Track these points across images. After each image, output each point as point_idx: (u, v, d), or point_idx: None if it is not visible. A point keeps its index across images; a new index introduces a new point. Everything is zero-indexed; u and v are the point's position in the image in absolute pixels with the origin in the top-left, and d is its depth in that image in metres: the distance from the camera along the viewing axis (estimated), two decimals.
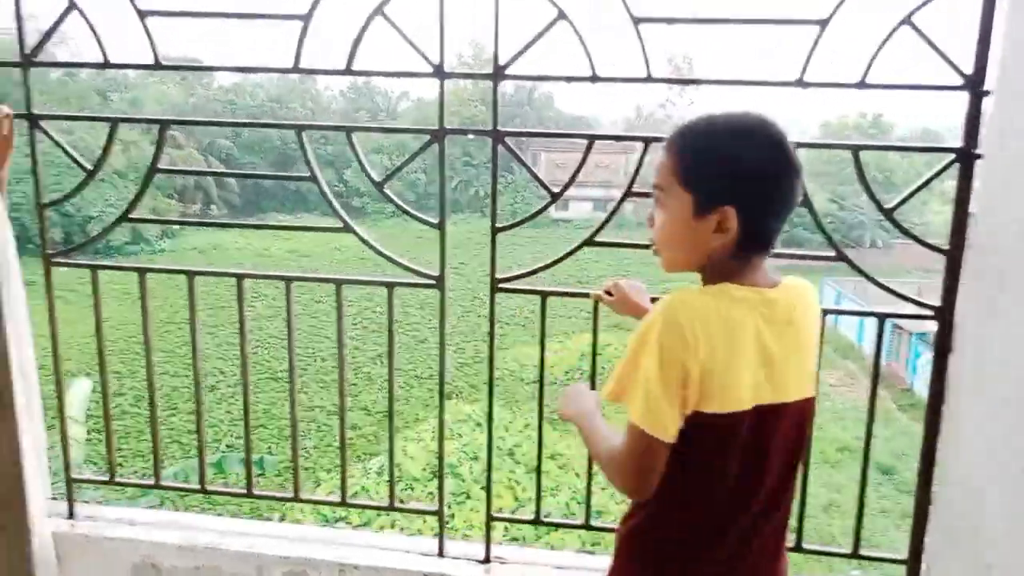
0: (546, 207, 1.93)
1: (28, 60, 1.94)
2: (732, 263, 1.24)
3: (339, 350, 2.02)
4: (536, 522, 2.06)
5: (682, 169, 1.23)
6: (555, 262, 1.92)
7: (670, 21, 1.79)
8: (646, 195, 2.00)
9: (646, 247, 2.26)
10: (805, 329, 1.28)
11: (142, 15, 1.89)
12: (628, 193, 1.86)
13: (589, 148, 1.89)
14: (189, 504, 12.34)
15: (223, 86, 38.65)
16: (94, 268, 2.04)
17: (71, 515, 2.05)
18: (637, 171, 1.86)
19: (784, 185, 1.21)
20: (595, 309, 1.83)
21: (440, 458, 2.07)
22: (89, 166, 1.98)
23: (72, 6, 1.91)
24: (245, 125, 2.17)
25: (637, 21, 1.75)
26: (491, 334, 1.96)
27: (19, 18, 1.92)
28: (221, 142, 35.24)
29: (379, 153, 34.43)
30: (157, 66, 1.93)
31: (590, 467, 1.98)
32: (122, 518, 2.06)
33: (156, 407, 2.15)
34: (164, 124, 1.97)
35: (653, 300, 1.73)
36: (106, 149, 2.01)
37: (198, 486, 2.14)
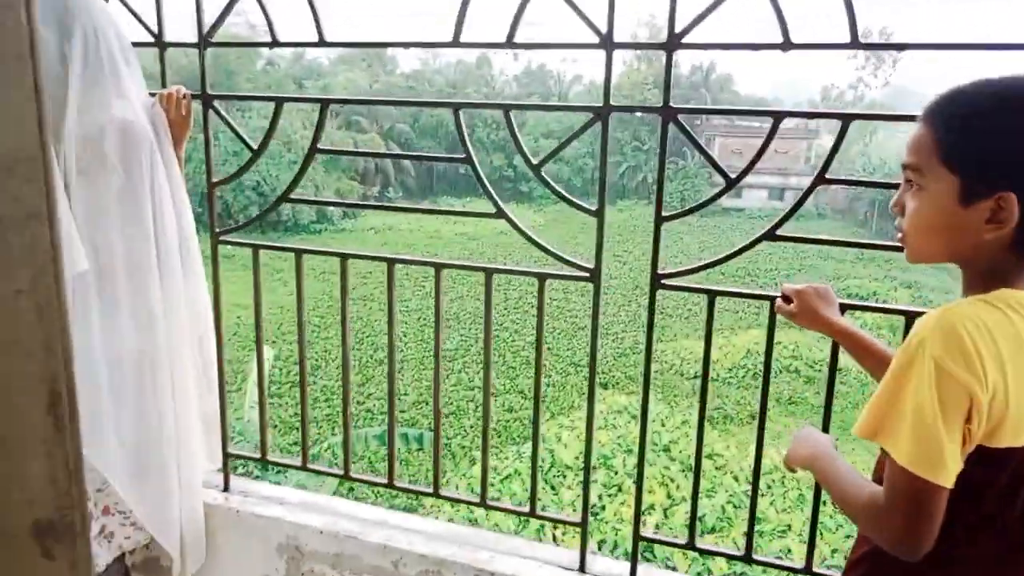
0: (720, 194, 1.70)
1: (204, 41, 1.97)
2: (1008, 262, 1.02)
3: (485, 346, 1.91)
4: (690, 547, 1.85)
5: (946, 145, 1.01)
6: (726, 258, 1.69)
7: None
8: (838, 182, 1.73)
9: (833, 243, 1.98)
10: None
11: None
12: (820, 180, 1.59)
13: (775, 128, 1.64)
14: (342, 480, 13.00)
15: (405, 72, 40.46)
16: (255, 247, 2.06)
17: (226, 488, 2.11)
18: (833, 153, 1.60)
19: None
20: (771, 307, 1.58)
21: (586, 469, 1.91)
22: (255, 146, 2.00)
23: None
24: (402, 103, 2.12)
25: None
26: (649, 335, 1.77)
27: (199, 2, 1.96)
28: (400, 127, 36.95)
29: (548, 138, 34.64)
30: (321, 43, 1.90)
31: (816, 504, 1.74)
32: (272, 496, 2.09)
33: (306, 390, 2.15)
34: (324, 103, 1.94)
35: (843, 309, 1.48)
36: (272, 127, 2.02)
37: (342, 471, 2.13)
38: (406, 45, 1.90)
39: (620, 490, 11.62)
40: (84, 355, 1.73)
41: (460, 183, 37.30)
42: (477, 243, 30.50)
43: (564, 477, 13.14)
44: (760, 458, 1.77)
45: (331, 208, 32.63)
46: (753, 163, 1.69)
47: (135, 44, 1.96)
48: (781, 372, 19.23)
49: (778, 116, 1.62)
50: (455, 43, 1.75)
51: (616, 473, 12.94)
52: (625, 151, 36.17)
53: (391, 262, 1.97)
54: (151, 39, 2.00)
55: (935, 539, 0.99)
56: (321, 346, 19.20)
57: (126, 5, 1.99)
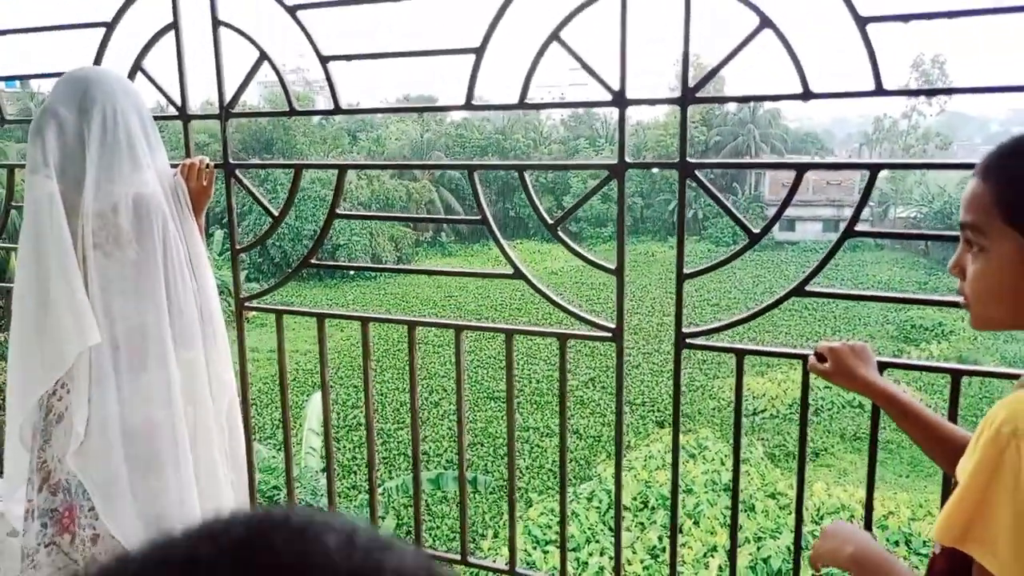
0: (744, 250, 1.63)
1: (226, 112, 2.01)
2: None
3: (508, 407, 1.86)
4: None
5: (1009, 201, 0.92)
6: (753, 315, 1.61)
7: (905, 19, 1.44)
8: (867, 234, 1.64)
9: (864, 298, 1.87)
10: None
11: (323, 60, 1.89)
12: (849, 232, 1.51)
13: (799, 179, 1.57)
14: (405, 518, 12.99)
15: (454, 121, 41.23)
16: (279, 313, 2.06)
17: None
18: (861, 205, 1.51)
19: None
20: (804, 365, 1.48)
21: (617, 537, 1.82)
22: (276, 212, 2.01)
23: (263, 57, 1.95)
24: (416, 167, 2.10)
25: (864, 22, 1.43)
26: (676, 397, 1.69)
27: (219, 73, 2.00)
28: (452, 173, 37.57)
29: (585, 182, 34.72)
30: (336, 111, 1.91)
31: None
32: None
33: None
34: (342, 169, 1.95)
35: (881, 368, 1.38)
36: (292, 192, 2.04)
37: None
38: (420, 110, 1.90)
39: (681, 531, 11.26)
40: (101, 426, 1.73)
41: (509, 225, 37.61)
42: (519, 284, 30.60)
43: (622, 519, 12.81)
44: (800, 517, 1.66)
45: (385, 253, 33.22)
46: (778, 215, 1.62)
47: (159, 118, 2.02)
48: (844, 407, 18.57)
49: (801, 169, 1.55)
50: (468, 106, 1.74)
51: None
52: (661, 186, 36.01)
53: (412, 325, 1.94)
54: (175, 113, 2.06)
55: None
56: (377, 388, 19.36)
57: (152, 82, 2.05)
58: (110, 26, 2.10)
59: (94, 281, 1.71)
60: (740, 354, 1.64)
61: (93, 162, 1.68)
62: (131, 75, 2.05)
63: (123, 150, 1.72)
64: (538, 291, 1.80)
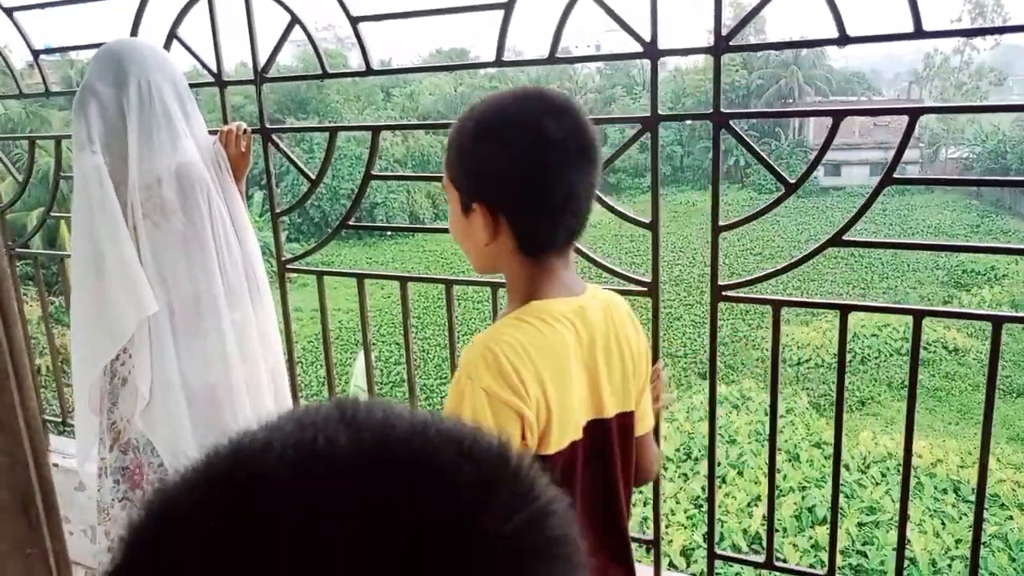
0: (778, 202, 1.60)
1: (260, 77, 2.03)
2: (528, 269, 1.09)
3: None
4: (768, 566, 1.77)
5: (447, 162, 1.12)
6: (789, 267, 1.60)
7: None
8: (906, 181, 1.61)
9: (901, 246, 1.84)
10: (624, 337, 1.15)
11: (354, 21, 1.89)
12: (888, 180, 1.48)
13: (835, 126, 1.54)
14: None
15: (488, 73, 40.71)
16: (319, 274, 2.11)
17: None
18: (900, 151, 1.48)
19: (544, 181, 1.04)
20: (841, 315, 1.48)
21: (656, 497, 1.85)
22: (313, 175, 2.04)
23: (295, 20, 1.96)
24: (437, 126, 2.10)
25: None
26: (712, 349, 1.69)
27: (252, 37, 2.01)
28: None
29: (622, 132, 34.12)
30: (368, 71, 1.92)
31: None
32: None
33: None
34: (375, 130, 1.96)
35: (920, 316, 1.37)
36: (327, 156, 2.06)
37: None
38: (450, 68, 1.90)
39: (724, 481, 11.34)
40: (164, 388, 1.81)
41: None
42: None
43: (665, 470, 12.96)
44: (838, 475, 1.67)
45: (422, 210, 33.32)
46: (815, 164, 1.60)
47: (195, 85, 2.05)
48: (892, 355, 18.29)
49: (838, 116, 1.52)
50: (498, 62, 1.73)
51: (719, 464, 12.62)
52: (700, 133, 35.14)
53: (449, 284, 1.97)
54: (211, 79, 2.08)
55: None
56: (419, 345, 19.62)
57: (188, 49, 2.08)
58: None
59: (146, 251, 1.76)
60: (776, 305, 1.63)
61: (134, 135, 1.72)
62: (166, 43, 2.07)
63: (160, 122, 1.76)
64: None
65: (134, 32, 2.12)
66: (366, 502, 0.33)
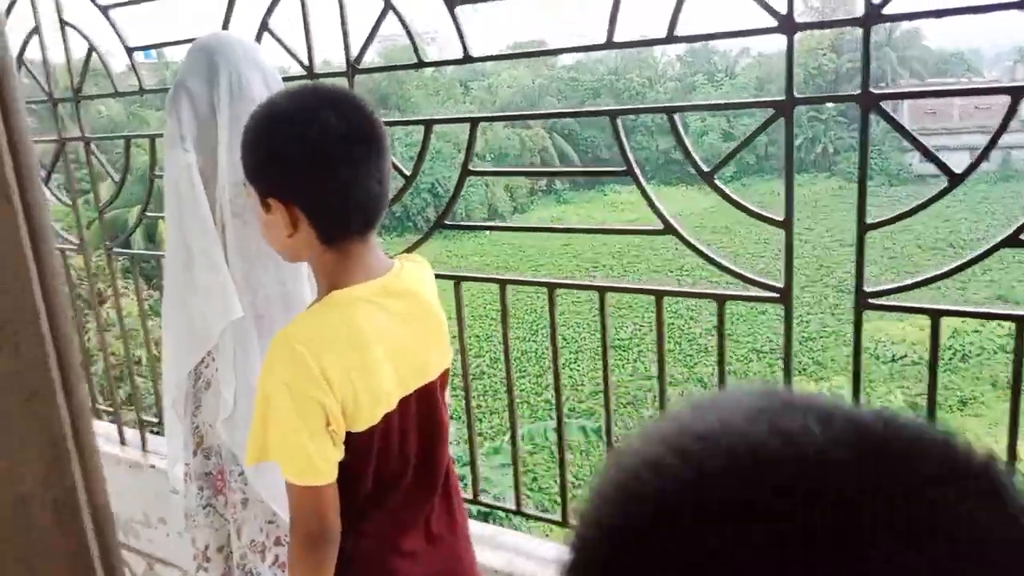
0: (942, 195, 1.39)
1: (352, 69, 1.94)
2: (329, 257, 1.15)
3: (659, 370, 1.72)
4: None
5: (242, 162, 1.18)
6: (951, 272, 1.38)
7: None
8: None
9: None
10: (426, 304, 1.25)
11: (451, 4, 1.76)
12: (987, 152, 1.25)
13: (1014, 106, 1.32)
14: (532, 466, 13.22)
15: (566, 64, 40.37)
16: (457, 280, 1.97)
17: None
18: (999, 132, 1.26)
19: (325, 171, 1.10)
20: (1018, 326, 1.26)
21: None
22: (407, 172, 1.93)
23: (388, 7, 1.85)
24: (553, 115, 1.96)
25: None
26: (856, 368, 1.49)
27: (344, 28, 1.92)
28: (564, 120, 36.97)
29: (715, 116, 33.21)
30: (467, 59, 1.79)
31: None
32: None
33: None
34: (473, 121, 1.83)
35: (938, 315, 1.14)
36: (422, 151, 1.95)
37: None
38: (556, 52, 1.74)
39: None
40: (248, 394, 1.73)
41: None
42: (651, 239, 29.75)
43: None
44: None
45: (501, 203, 33.35)
46: (987, 151, 1.38)
47: (287, 78, 1.97)
48: (996, 352, 17.20)
49: (1018, 94, 1.29)
50: (609, 44, 1.57)
51: None
52: (800, 121, 33.81)
53: (552, 287, 1.83)
54: (303, 72, 2.00)
55: (339, 519, 1.14)
56: (496, 337, 19.60)
57: (279, 41, 2.00)
58: None
59: (234, 250, 1.69)
60: (936, 315, 1.42)
61: (225, 131, 1.64)
62: (258, 36, 2.00)
63: None
64: (692, 248, 1.63)
65: (225, 25, 2.06)
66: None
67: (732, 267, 1.59)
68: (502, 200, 33.44)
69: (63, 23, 2.39)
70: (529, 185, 35.41)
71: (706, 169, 1.56)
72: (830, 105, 31.17)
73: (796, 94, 1.44)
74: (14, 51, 2.57)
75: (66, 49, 2.42)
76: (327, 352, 1.07)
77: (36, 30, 2.46)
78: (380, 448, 1.16)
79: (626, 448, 0.36)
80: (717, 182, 1.57)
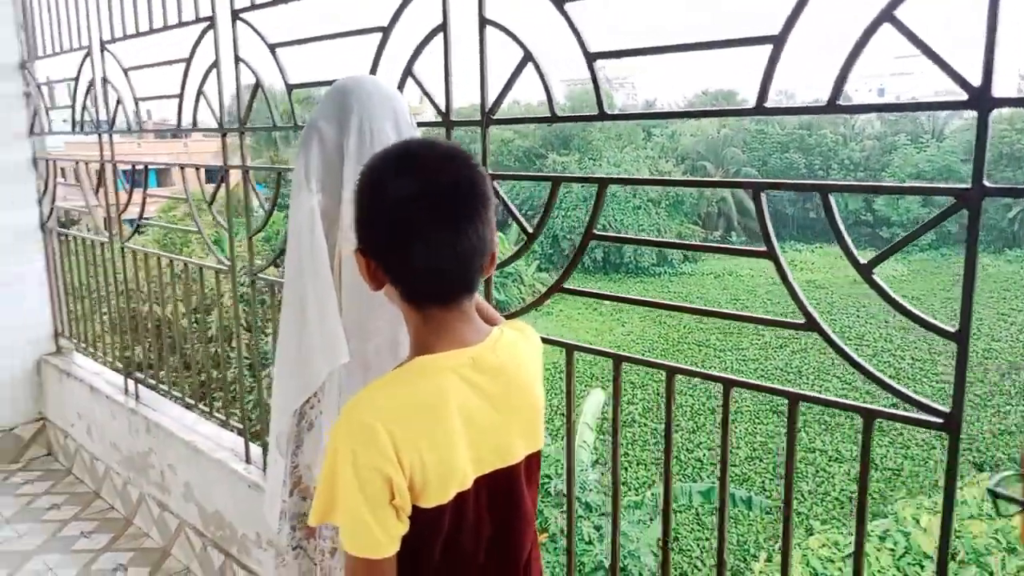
0: None
1: (487, 119, 1.87)
2: (417, 321, 1.12)
3: (787, 480, 1.47)
4: None
5: None
6: None
7: None
8: None
9: None
10: (519, 382, 1.16)
11: (590, 58, 1.64)
12: None
13: None
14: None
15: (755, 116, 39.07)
16: (569, 348, 1.85)
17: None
18: None
19: (402, 237, 1.05)
20: None
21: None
22: (531, 229, 1.82)
23: (528, 57, 1.77)
24: (692, 184, 1.79)
25: None
26: None
27: (483, 76, 1.85)
28: (747, 170, 35.69)
29: (917, 178, 30.71)
30: (601, 116, 1.66)
31: None
32: None
33: (619, 502, 1.88)
34: (602, 183, 1.69)
35: None
36: (548, 207, 1.83)
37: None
38: (699, 115, 1.57)
39: None
40: None
41: (809, 227, 34.69)
42: (826, 292, 27.81)
43: (922, 567, 11.16)
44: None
45: (669, 251, 32.62)
46: None
47: (423, 124, 1.93)
48: None
49: None
50: (758, 110, 1.38)
51: (991, 574, 10.58)
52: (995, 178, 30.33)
53: (672, 372, 1.63)
54: (438, 118, 1.96)
55: None
56: (653, 388, 19.00)
57: (421, 87, 1.97)
58: (386, 31, 2.06)
59: (348, 296, 1.65)
60: None
61: (350, 177, 1.61)
62: (402, 81, 1.99)
63: None
64: (840, 352, 1.37)
65: (373, 69, 2.07)
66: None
67: (886, 379, 1.32)
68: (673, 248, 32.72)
69: (237, 59, 2.52)
70: (703, 235, 34.42)
71: (863, 261, 1.31)
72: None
73: (987, 182, 1.17)
74: (194, 85, 2.76)
75: (237, 83, 2.56)
76: (400, 424, 1.03)
77: (215, 65, 2.63)
78: (451, 526, 1.10)
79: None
80: (875, 278, 1.31)
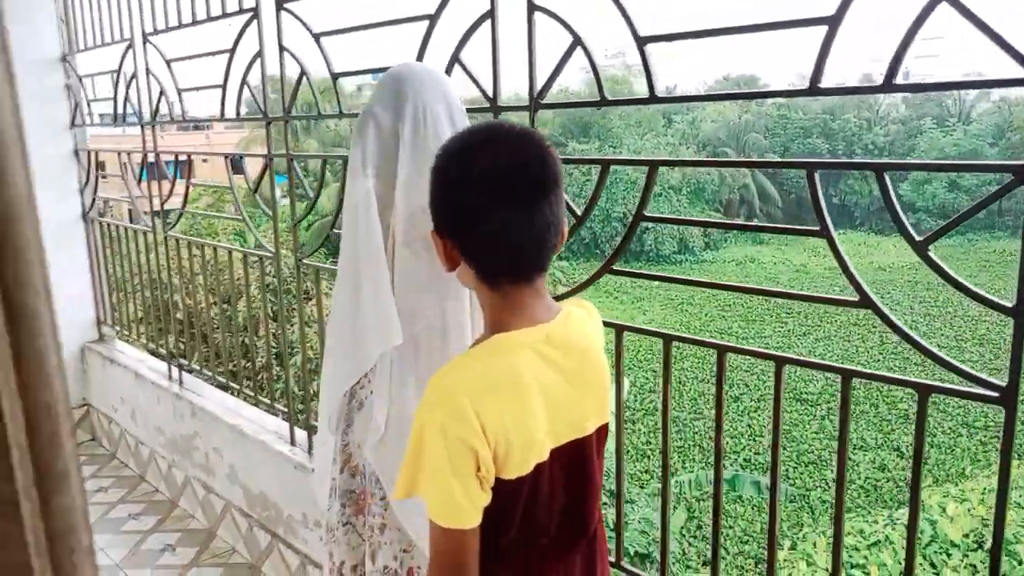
0: None
1: (535, 104, 1.90)
2: (492, 299, 1.16)
3: (839, 461, 1.50)
4: None
5: None
6: None
7: None
8: None
9: None
10: (590, 358, 1.20)
11: (641, 41, 1.67)
12: None
13: None
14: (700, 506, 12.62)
15: (776, 102, 38.69)
16: (619, 329, 1.87)
17: None
18: None
19: (476, 215, 1.09)
20: None
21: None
22: (579, 212, 1.85)
23: (577, 42, 1.79)
24: (748, 164, 1.81)
25: None
26: None
27: (531, 61, 1.88)
28: (769, 156, 35.38)
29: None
30: (652, 99, 1.69)
31: None
32: None
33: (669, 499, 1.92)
34: (652, 165, 1.72)
35: None
36: (596, 191, 1.86)
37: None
38: (747, 96, 1.59)
39: None
40: (399, 422, 1.72)
41: (832, 213, 34.26)
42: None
43: (948, 556, 11.09)
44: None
45: (695, 240, 32.47)
46: None
47: (472, 110, 1.96)
48: None
49: None
50: (811, 91, 1.40)
51: (1020, 563, 10.49)
52: None
53: (722, 351, 1.66)
54: (487, 104, 1.99)
55: (477, 563, 1.11)
56: (676, 377, 18.98)
57: (468, 74, 2.01)
58: (433, 18, 2.09)
59: (400, 280, 1.69)
60: None
61: (405, 162, 1.65)
62: (449, 67, 2.02)
63: (432, 150, 1.68)
64: (893, 327, 1.40)
65: (420, 56, 2.10)
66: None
67: (940, 355, 1.34)
68: (694, 235, 32.52)
69: (282, 48, 2.57)
70: (724, 221, 34.17)
71: (919, 238, 1.34)
72: None
73: None
74: (238, 74, 2.81)
75: (282, 73, 2.61)
76: (485, 399, 1.07)
77: (259, 54, 2.68)
78: (528, 497, 1.15)
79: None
80: (931, 254, 1.33)
